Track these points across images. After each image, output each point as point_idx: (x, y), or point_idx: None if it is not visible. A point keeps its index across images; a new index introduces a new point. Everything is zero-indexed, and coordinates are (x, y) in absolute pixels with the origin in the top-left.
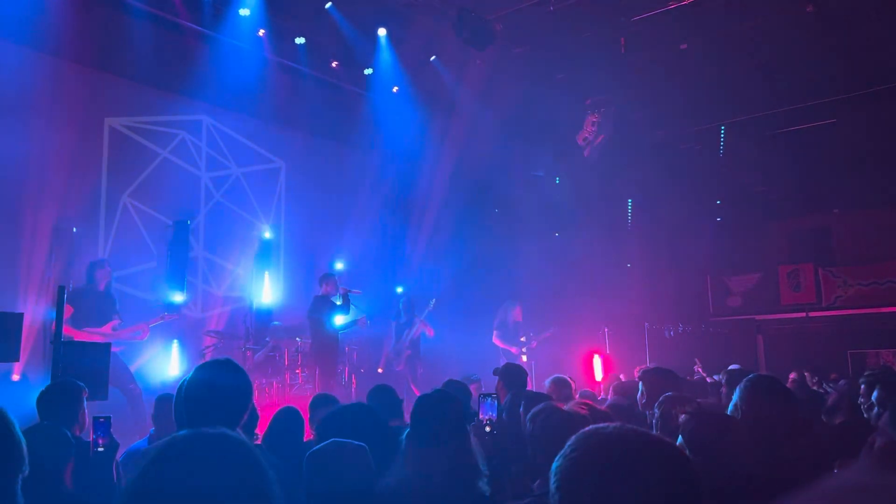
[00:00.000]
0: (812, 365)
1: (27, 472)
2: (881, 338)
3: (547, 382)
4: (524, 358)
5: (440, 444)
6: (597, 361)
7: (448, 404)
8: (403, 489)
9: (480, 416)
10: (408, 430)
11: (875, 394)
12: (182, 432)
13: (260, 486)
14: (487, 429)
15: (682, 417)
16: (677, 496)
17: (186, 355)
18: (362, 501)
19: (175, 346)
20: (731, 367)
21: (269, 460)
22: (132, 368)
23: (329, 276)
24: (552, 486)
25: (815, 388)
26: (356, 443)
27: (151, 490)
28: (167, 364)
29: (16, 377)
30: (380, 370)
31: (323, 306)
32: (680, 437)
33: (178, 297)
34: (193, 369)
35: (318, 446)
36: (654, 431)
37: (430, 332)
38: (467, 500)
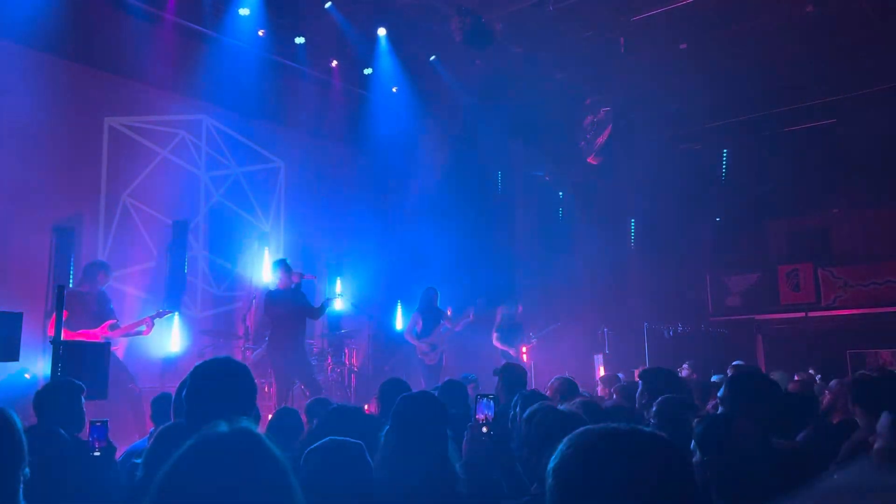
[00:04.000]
0: (815, 366)
1: (27, 471)
2: (881, 338)
3: (552, 382)
4: (525, 357)
5: (419, 445)
6: (597, 361)
7: (431, 406)
8: (382, 489)
9: (477, 417)
10: (387, 426)
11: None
12: (212, 427)
13: (284, 484)
14: (484, 429)
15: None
16: (671, 488)
17: (186, 355)
18: (360, 499)
19: (174, 345)
20: (735, 363)
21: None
22: (130, 368)
23: (279, 265)
24: (548, 485)
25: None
26: (353, 440)
27: (181, 485)
28: (166, 364)
29: (29, 376)
30: (385, 368)
31: (266, 307)
32: (694, 444)
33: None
34: (195, 368)
35: (315, 444)
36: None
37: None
38: (445, 501)
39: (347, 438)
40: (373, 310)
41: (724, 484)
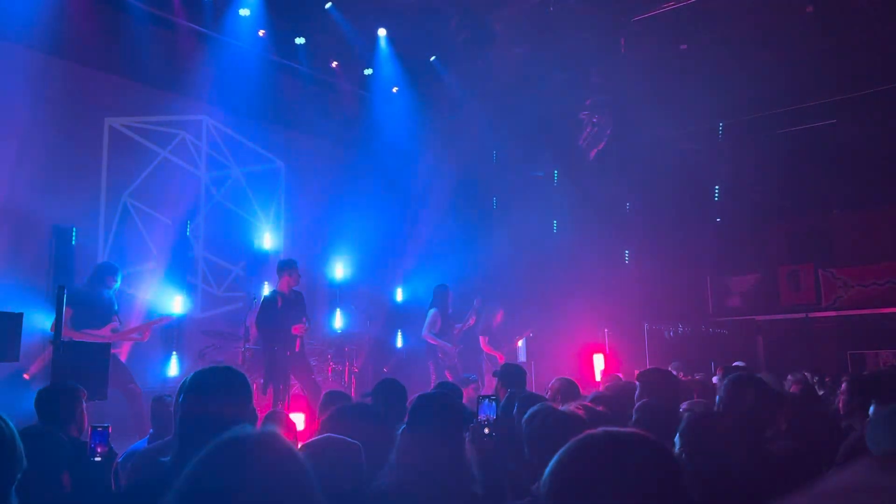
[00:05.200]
0: (812, 366)
1: (20, 476)
2: (881, 338)
3: (552, 383)
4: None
5: (437, 445)
6: (597, 361)
7: (448, 406)
8: (399, 490)
9: (479, 418)
10: (404, 426)
11: (872, 408)
12: (231, 432)
13: (307, 485)
14: (486, 430)
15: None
16: (665, 493)
17: (186, 355)
18: (351, 499)
19: (174, 346)
20: (735, 364)
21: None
22: (131, 369)
23: (287, 266)
24: (544, 491)
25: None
26: (351, 440)
27: (208, 483)
28: (167, 364)
29: (27, 377)
30: (384, 369)
31: (266, 309)
32: (677, 436)
33: (177, 308)
34: (192, 374)
35: (312, 439)
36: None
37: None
38: (462, 501)
39: (346, 437)
40: (372, 309)
41: (696, 479)
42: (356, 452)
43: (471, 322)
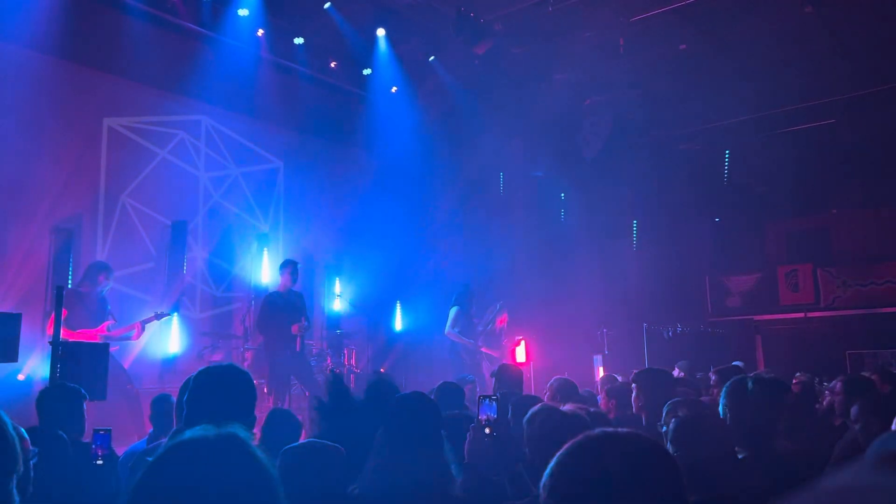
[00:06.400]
0: (811, 366)
1: (22, 471)
2: (880, 338)
3: (551, 383)
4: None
5: (414, 447)
6: (596, 361)
7: (426, 407)
8: (376, 494)
9: (480, 417)
10: (381, 429)
11: (854, 408)
12: (190, 432)
13: (267, 490)
14: (487, 430)
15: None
16: (663, 494)
17: (185, 356)
18: (334, 502)
19: (173, 346)
20: (733, 364)
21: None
22: (129, 369)
23: (287, 265)
24: (544, 493)
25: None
26: (333, 444)
27: (153, 490)
28: (166, 365)
29: (21, 377)
30: (381, 369)
31: (266, 309)
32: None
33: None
34: (198, 373)
35: (294, 444)
36: (665, 439)
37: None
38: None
39: (327, 442)
40: (371, 310)
41: (693, 478)
42: (339, 457)
43: (496, 325)
